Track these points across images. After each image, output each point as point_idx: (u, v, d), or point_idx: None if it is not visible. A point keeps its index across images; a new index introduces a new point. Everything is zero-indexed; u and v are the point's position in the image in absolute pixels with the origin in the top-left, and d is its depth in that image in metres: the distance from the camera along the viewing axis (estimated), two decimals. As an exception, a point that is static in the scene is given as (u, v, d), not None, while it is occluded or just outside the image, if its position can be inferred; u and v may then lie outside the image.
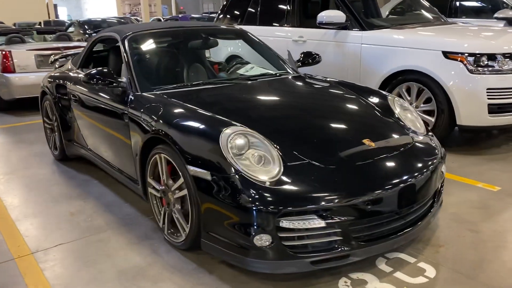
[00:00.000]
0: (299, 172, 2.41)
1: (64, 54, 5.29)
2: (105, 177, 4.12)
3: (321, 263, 2.37)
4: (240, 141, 2.46)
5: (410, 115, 3.18)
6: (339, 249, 2.36)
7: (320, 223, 2.29)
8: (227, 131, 2.50)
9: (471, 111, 4.34)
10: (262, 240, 2.31)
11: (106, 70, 3.29)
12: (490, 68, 4.29)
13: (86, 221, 3.33)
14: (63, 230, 3.22)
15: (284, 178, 2.37)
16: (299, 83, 3.64)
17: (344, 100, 3.27)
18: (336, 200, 2.31)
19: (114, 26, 4.99)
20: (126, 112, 3.19)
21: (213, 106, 2.95)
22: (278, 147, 2.52)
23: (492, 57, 4.31)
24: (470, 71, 4.28)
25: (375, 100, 3.26)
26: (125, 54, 3.49)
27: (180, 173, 2.64)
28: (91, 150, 4.00)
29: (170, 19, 18.08)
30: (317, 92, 3.48)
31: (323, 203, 2.30)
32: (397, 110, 3.16)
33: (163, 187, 2.89)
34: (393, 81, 4.81)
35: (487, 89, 4.26)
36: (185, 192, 2.64)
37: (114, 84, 3.30)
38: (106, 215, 3.41)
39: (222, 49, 4.50)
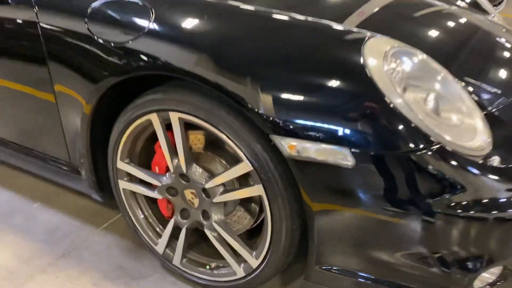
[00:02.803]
0: (509, 122, 1.22)
1: None
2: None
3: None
4: (406, 67, 1.12)
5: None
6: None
7: None
8: (373, 45, 1.11)
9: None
10: (489, 274, 1.13)
11: None
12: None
13: (-30, 265, 1.60)
14: None
15: (499, 141, 1.15)
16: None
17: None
18: None
19: None
20: (31, 26, 1.45)
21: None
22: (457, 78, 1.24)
23: None
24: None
25: None
26: None
27: (246, 155, 1.19)
28: None
29: None
30: None
31: None
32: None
33: (172, 180, 1.38)
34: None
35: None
36: (257, 190, 1.22)
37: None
38: (9, 239, 1.72)
39: None
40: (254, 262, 1.33)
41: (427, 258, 1.11)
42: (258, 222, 1.44)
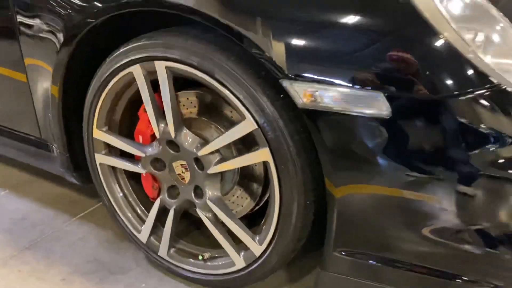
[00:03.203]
0: None
1: None
2: None
3: None
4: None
5: None
6: None
7: None
8: None
9: None
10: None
11: None
12: None
13: None
14: None
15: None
16: None
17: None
18: None
19: None
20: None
21: None
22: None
23: None
24: None
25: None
26: None
27: (249, 109, 0.95)
28: None
29: None
30: None
31: None
32: None
33: (158, 151, 1.14)
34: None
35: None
36: (262, 156, 0.98)
37: None
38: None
39: None
40: (257, 249, 1.08)
41: (462, 232, 0.87)
42: (260, 205, 1.20)
